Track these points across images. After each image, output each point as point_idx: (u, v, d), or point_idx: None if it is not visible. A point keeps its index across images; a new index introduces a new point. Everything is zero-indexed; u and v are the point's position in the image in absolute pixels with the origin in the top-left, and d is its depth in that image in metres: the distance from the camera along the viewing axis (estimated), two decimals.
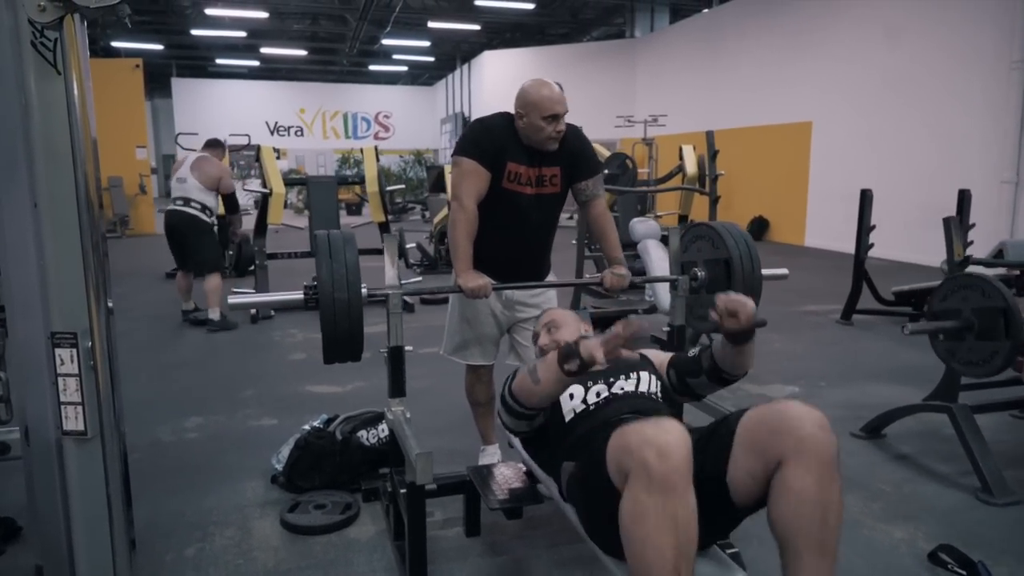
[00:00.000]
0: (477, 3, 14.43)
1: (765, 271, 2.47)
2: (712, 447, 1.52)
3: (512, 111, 2.35)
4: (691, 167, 6.59)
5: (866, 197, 5.48)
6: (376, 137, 22.92)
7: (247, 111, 21.04)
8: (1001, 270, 4.33)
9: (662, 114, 12.35)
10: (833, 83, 10.12)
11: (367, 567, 2.17)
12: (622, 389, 1.84)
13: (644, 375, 1.89)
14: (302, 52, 19.58)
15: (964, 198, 5.05)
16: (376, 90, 23.83)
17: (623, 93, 15.36)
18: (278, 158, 6.28)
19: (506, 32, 18.11)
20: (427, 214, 13.22)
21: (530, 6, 14.69)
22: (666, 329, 2.51)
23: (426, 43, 18.27)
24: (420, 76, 24.11)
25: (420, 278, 7.02)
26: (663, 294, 4.20)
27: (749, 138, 11.47)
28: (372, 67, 22.18)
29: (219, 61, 20.63)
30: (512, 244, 2.44)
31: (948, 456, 2.94)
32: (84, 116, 1.42)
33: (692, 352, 1.92)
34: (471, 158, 2.31)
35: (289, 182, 6.51)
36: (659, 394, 1.88)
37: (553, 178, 2.40)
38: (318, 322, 2.01)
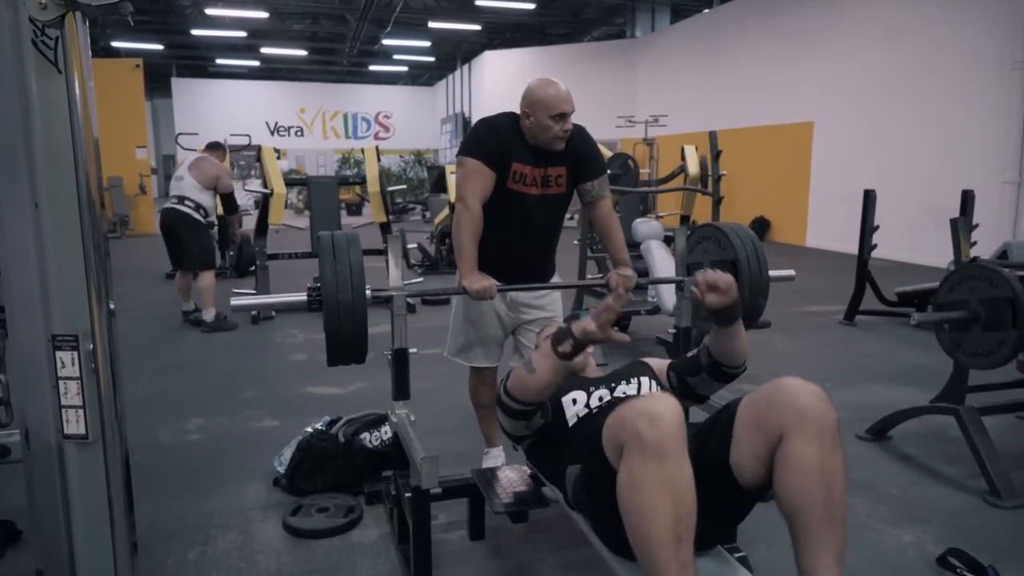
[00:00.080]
0: (477, 3, 14.42)
1: (772, 272, 2.44)
2: (715, 432, 1.53)
3: (516, 111, 2.33)
4: (693, 167, 6.57)
5: (870, 197, 5.46)
6: (376, 137, 22.92)
7: (247, 111, 21.05)
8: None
9: (663, 114, 12.34)
10: (834, 83, 10.11)
11: (371, 571, 2.16)
12: (624, 393, 1.84)
13: (645, 380, 1.89)
14: (302, 52, 19.59)
15: (968, 199, 5.04)
16: (376, 90, 23.83)
17: (624, 93, 15.36)
18: (279, 158, 6.27)
19: (507, 32, 18.11)
20: (428, 214, 13.22)
21: (531, 6, 14.68)
22: (672, 331, 2.49)
23: (426, 43, 18.27)
24: (420, 76, 24.12)
25: (421, 279, 7.00)
26: (667, 295, 4.18)
27: (750, 138, 11.46)
28: (372, 67, 22.18)
29: (219, 61, 20.63)
30: (517, 245, 2.42)
31: (954, 458, 2.93)
32: (86, 116, 1.41)
33: (691, 353, 1.91)
34: (476, 158, 2.29)
35: (290, 182, 6.50)
36: None
37: (559, 178, 2.38)
38: (319, 323, 1.99)
